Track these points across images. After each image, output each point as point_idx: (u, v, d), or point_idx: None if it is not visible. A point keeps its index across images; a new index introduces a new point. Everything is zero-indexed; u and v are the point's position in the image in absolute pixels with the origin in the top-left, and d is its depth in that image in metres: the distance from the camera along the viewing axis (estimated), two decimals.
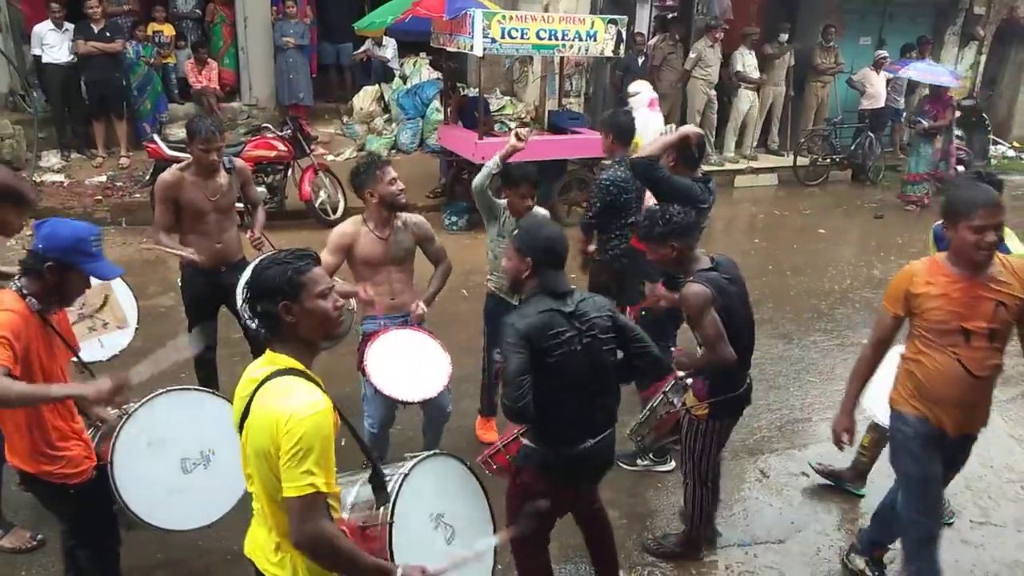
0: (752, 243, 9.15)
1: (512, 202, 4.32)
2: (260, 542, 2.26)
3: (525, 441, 3.11)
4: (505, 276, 3.12)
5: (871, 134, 11.74)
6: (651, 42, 11.29)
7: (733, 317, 3.37)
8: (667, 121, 11.12)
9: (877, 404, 3.82)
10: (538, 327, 2.83)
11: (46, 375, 2.73)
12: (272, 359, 2.18)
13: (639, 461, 4.59)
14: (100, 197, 8.60)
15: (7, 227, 3.36)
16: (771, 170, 11.78)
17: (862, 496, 4.45)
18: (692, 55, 10.82)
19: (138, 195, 8.54)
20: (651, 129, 7.36)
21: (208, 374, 4.74)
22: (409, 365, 3.86)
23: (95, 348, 3.76)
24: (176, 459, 3.06)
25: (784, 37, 11.38)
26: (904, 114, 12.25)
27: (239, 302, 4.25)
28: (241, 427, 2.18)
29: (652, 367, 3.17)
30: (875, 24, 12.94)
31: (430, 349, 3.97)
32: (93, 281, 3.73)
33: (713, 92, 11.03)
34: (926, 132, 10.24)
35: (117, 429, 3.01)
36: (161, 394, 3.10)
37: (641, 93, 7.95)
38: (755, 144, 11.98)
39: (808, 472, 4.63)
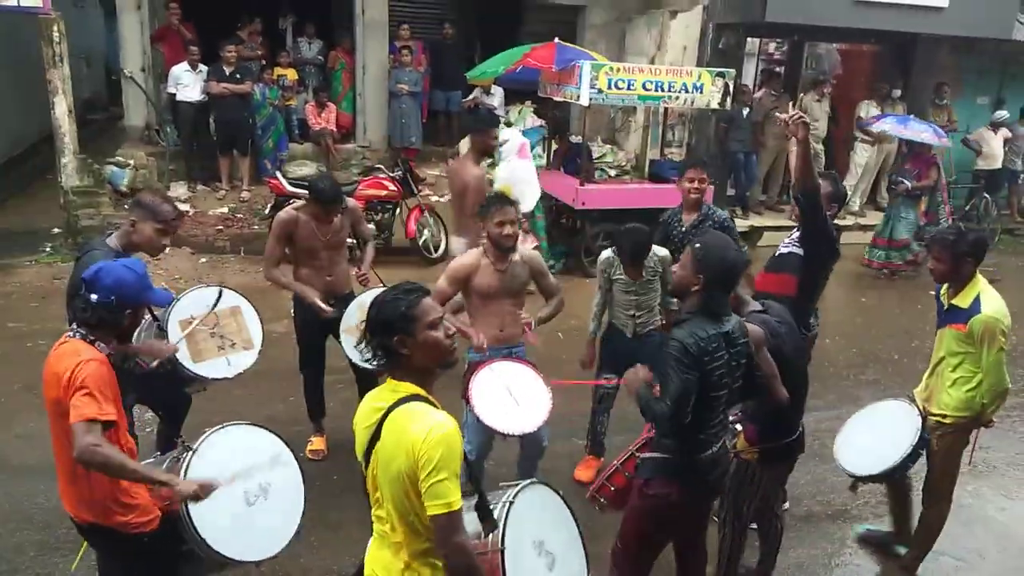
0: (858, 302, 8.91)
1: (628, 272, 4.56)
2: (384, 563, 2.35)
3: (648, 454, 3.19)
4: (672, 278, 3.20)
5: (986, 195, 11.29)
6: (756, 95, 11.26)
7: (782, 361, 3.34)
8: (769, 176, 11.06)
9: (851, 461, 3.95)
10: (707, 351, 2.92)
11: (119, 418, 2.75)
12: (395, 387, 2.31)
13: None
14: (221, 227, 9.15)
15: (152, 246, 3.66)
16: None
17: (900, 555, 4.31)
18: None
19: (256, 226, 9.03)
20: (519, 176, 6.98)
21: (317, 399, 4.97)
22: (512, 398, 3.92)
23: (222, 366, 3.95)
24: (240, 492, 3.03)
25: (897, 93, 11.15)
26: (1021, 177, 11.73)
27: (352, 342, 4.48)
28: (367, 454, 2.30)
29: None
30: (994, 83, 12.51)
31: (533, 383, 4.04)
32: (225, 303, 4.05)
33: (820, 147, 10.87)
34: (908, 194, 9.41)
35: (183, 467, 2.96)
36: (218, 430, 3.12)
37: (511, 140, 7.36)
38: (864, 201, 11.68)
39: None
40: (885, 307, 8.76)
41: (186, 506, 2.84)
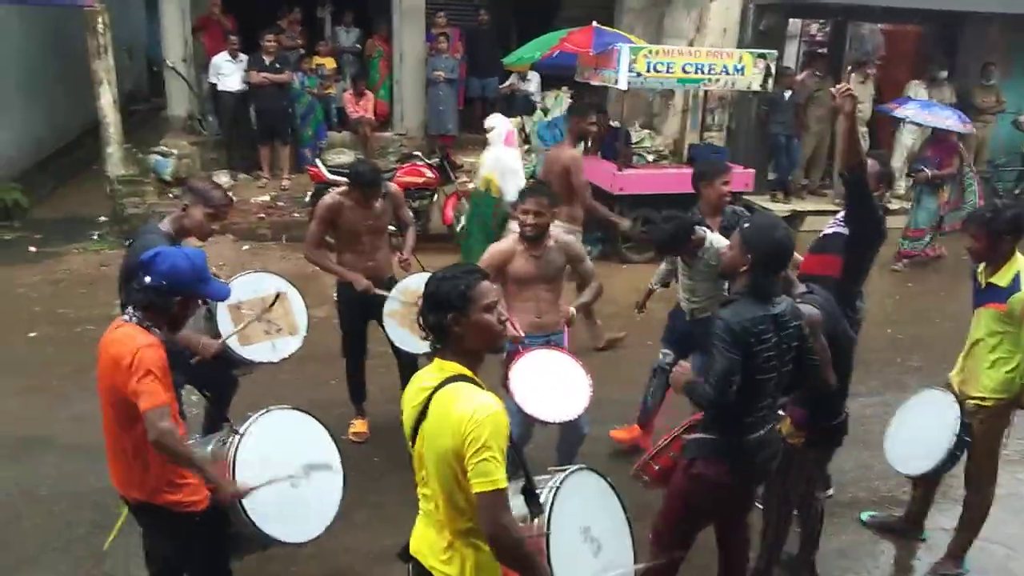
0: (904, 287, 8.74)
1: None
2: (429, 541, 2.38)
3: (696, 435, 3.17)
4: (721, 261, 3.21)
5: None
6: (799, 77, 11.06)
7: (834, 343, 3.31)
8: (812, 160, 10.87)
9: (901, 461, 3.91)
10: (752, 332, 2.91)
11: (172, 404, 2.80)
12: (441, 367, 2.32)
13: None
14: (263, 215, 9.26)
15: (201, 230, 3.73)
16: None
17: (924, 540, 4.29)
18: None
19: (297, 214, 9.12)
20: (504, 165, 6.82)
21: (359, 383, 5.03)
22: (552, 385, 3.93)
23: (268, 350, 4.04)
24: (285, 475, 3.08)
25: (943, 74, 10.85)
26: None
27: (395, 326, 4.56)
28: (414, 433, 2.33)
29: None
30: None
31: (572, 371, 4.03)
32: (270, 288, 4.12)
33: (864, 129, 10.64)
34: (929, 182, 8.85)
35: (233, 449, 3.01)
36: (264, 414, 3.18)
37: (497, 127, 7.15)
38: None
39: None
40: (930, 291, 8.57)
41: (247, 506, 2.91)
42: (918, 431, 3.84)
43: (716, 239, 4.41)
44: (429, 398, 2.27)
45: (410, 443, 2.38)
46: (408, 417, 2.36)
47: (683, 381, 3.11)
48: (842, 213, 4.16)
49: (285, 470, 3.09)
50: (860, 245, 4.04)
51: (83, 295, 7.27)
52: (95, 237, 8.70)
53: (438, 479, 2.27)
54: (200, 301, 3.58)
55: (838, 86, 3.89)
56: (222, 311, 3.87)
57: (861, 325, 4.35)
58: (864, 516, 4.45)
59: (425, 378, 2.35)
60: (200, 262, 2.87)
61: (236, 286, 4.00)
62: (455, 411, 2.19)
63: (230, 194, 3.96)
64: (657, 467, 3.40)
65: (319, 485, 3.20)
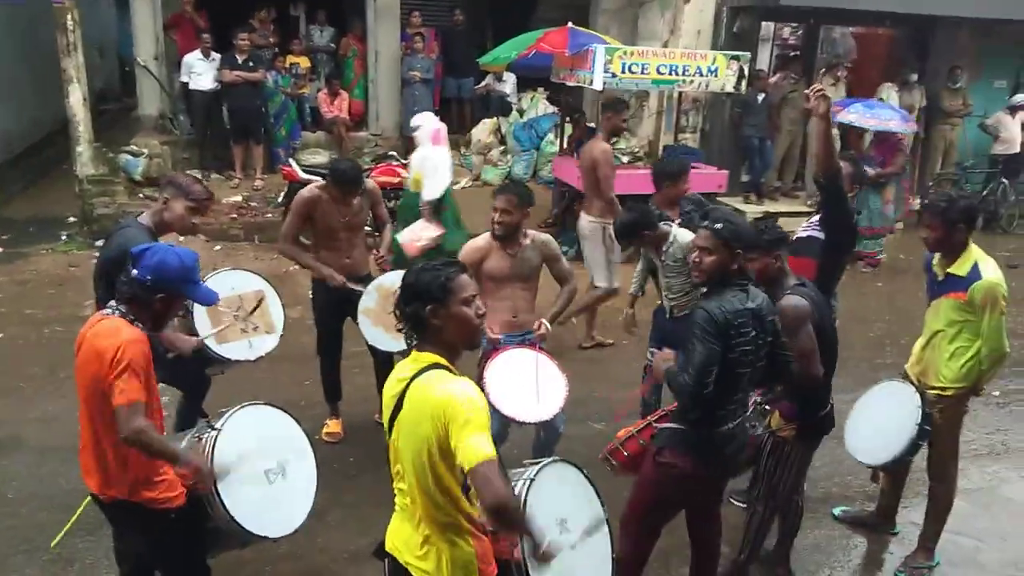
0: (874, 286, 8.84)
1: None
2: (404, 537, 2.36)
3: (666, 425, 3.20)
4: (698, 267, 3.10)
5: (1004, 180, 11.16)
6: (772, 79, 11.16)
7: (823, 336, 3.37)
8: (785, 162, 10.96)
9: (862, 451, 3.94)
10: (733, 325, 2.92)
11: (153, 396, 2.80)
12: (417, 358, 2.31)
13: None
14: (235, 215, 9.16)
15: (182, 224, 3.67)
16: None
17: (895, 534, 4.36)
18: None
19: (270, 214, 9.05)
20: (432, 164, 6.74)
21: (334, 383, 5.00)
22: (527, 385, 3.93)
23: (244, 348, 4.01)
24: (261, 470, 3.08)
25: (914, 77, 11.01)
26: None
27: (370, 324, 4.53)
28: (391, 425, 2.32)
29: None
30: (1012, 67, 12.34)
31: (548, 370, 4.04)
32: (247, 287, 4.09)
33: (835, 131, 10.75)
34: (873, 182, 8.71)
35: (210, 445, 2.98)
36: (239, 409, 3.16)
37: (424, 126, 7.04)
38: None
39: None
40: (902, 289, 8.68)
41: (215, 483, 2.88)
42: (879, 421, 3.88)
43: (681, 233, 4.45)
44: (405, 389, 2.26)
45: (387, 436, 2.36)
46: (387, 410, 2.35)
47: (664, 368, 3.13)
48: (816, 217, 4.21)
49: (261, 462, 3.08)
50: (835, 249, 4.10)
51: (51, 296, 7.15)
52: (64, 238, 8.56)
53: (414, 471, 2.25)
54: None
55: (812, 87, 3.93)
56: (199, 309, 3.82)
57: (835, 323, 4.40)
58: (836, 511, 4.50)
59: (402, 370, 2.34)
60: (191, 262, 2.82)
61: (212, 283, 3.94)
62: (432, 396, 2.18)
63: (208, 188, 3.90)
64: (626, 453, 3.42)
65: (294, 481, 3.18)
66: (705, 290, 3.14)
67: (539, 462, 2.83)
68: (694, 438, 3.09)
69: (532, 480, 2.66)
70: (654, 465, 3.20)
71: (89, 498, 2.94)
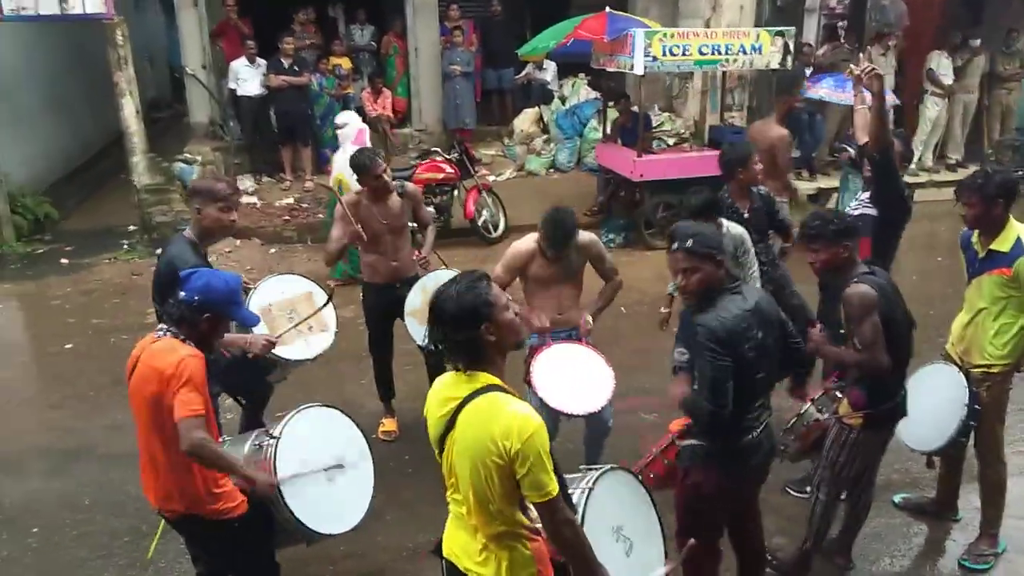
0: (934, 262, 8.57)
1: None
2: (462, 543, 2.40)
3: (688, 441, 3.12)
4: (685, 288, 3.03)
5: None
6: (820, 51, 10.89)
7: (892, 325, 3.29)
8: (838, 134, 10.69)
9: (914, 439, 3.85)
10: (738, 332, 2.85)
11: (210, 411, 2.90)
12: (471, 378, 2.29)
13: (808, 488, 4.45)
14: (288, 217, 9.36)
15: (222, 225, 3.72)
16: (954, 183, 10.95)
17: (957, 520, 4.25)
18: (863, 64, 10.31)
19: (321, 215, 9.21)
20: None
21: (387, 381, 5.09)
22: (574, 379, 3.96)
23: (302, 348, 4.14)
24: (322, 470, 3.19)
25: (976, 42, 10.59)
26: None
27: (416, 324, 4.62)
28: (441, 444, 2.34)
29: (801, 362, 3.24)
30: None
31: (594, 363, 4.06)
32: (297, 290, 4.21)
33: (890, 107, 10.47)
34: (853, 162, 8.09)
35: (272, 454, 3.09)
36: (296, 413, 3.28)
37: (349, 124, 7.00)
38: (936, 156, 11.22)
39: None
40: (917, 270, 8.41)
41: (279, 488, 3.01)
42: (927, 406, 3.76)
43: (732, 227, 4.42)
44: (458, 409, 2.27)
45: (437, 452, 2.39)
46: (435, 428, 2.36)
47: (682, 396, 3.03)
48: (866, 194, 4.13)
49: (321, 464, 3.20)
50: (889, 225, 4.06)
51: (116, 305, 7.41)
52: (125, 247, 8.85)
53: (472, 488, 2.27)
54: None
55: (862, 66, 3.85)
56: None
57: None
58: (897, 498, 4.42)
59: (452, 388, 2.33)
60: (235, 284, 2.98)
61: (264, 289, 4.14)
62: (496, 424, 2.19)
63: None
64: (652, 475, 3.33)
65: (353, 479, 3.30)
66: (695, 305, 3.03)
67: (596, 469, 2.84)
68: (717, 453, 3.02)
69: (591, 490, 2.68)
70: (682, 487, 3.15)
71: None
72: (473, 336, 2.25)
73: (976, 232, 3.72)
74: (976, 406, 3.67)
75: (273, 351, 3.86)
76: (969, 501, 4.26)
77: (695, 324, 2.93)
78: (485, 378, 2.29)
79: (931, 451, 3.92)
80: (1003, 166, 10.64)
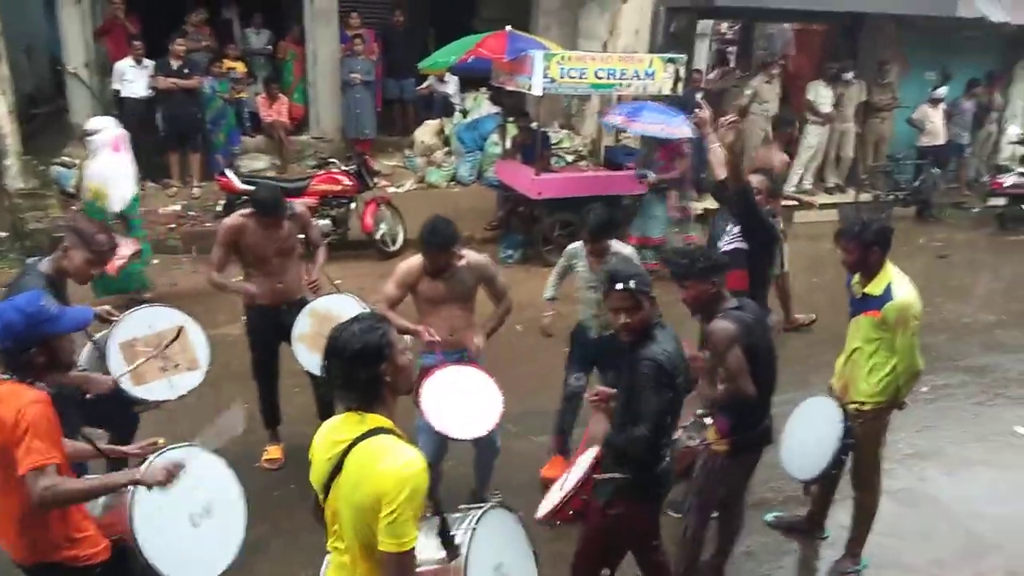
0: (811, 281, 9.05)
1: (592, 248, 4.55)
2: None
3: (608, 475, 3.16)
4: (628, 327, 3.10)
5: (934, 170, 11.51)
6: (709, 76, 11.32)
7: (756, 357, 3.46)
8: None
9: (795, 467, 4.02)
10: (676, 364, 2.99)
11: (62, 453, 2.74)
12: (360, 420, 2.28)
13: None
14: (173, 225, 9.00)
15: (81, 275, 3.60)
16: (832, 206, 11.59)
17: (826, 538, 4.49)
18: (748, 91, 10.78)
19: (209, 224, 8.88)
20: (118, 174, 6.40)
21: (272, 407, 4.96)
22: (463, 402, 3.97)
23: (164, 388, 3.92)
24: (186, 515, 3.02)
25: (850, 75, 11.23)
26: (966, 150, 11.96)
27: (305, 350, 4.52)
28: (327, 488, 2.30)
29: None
30: (939, 58, 12.60)
31: (484, 387, 4.07)
32: (167, 322, 4.00)
33: (769, 127, 10.93)
34: (654, 188, 8.25)
35: (131, 497, 2.90)
36: (161, 453, 3.05)
37: (103, 131, 6.53)
38: (814, 180, 11.85)
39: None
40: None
41: (135, 536, 2.85)
42: (806, 437, 4.00)
43: (622, 247, 4.58)
44: (346, 452, 2.24)
45: (321, 496, 2.34)
46: (320, 470, 2.32)
47: (607, 437, 3.13)
48: (735, 228, 4.35)
49: (186, 506, 3.02)
50: (759, 254, 4.30)
51: None
52: None
53: (355, 534, 2.25)
54: (88, 339, 3.50)
55: (725, 118, 4.12)
56: (113, 350, 3.77)
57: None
58: (769, 517, 4.63)
59: (341, 430, 2.30)
60: (32, 307, 2.72)
61: (129, 322, 3.91)
62: (381, 466, 2.18)
63: (114, 237, 3.82)
64: (571, 512, 3.35)
65: (221, 521, 3.13)
66: (632, 339, 3.12)
67: (478, 507, 2.86)
68: (643, 483, 3.11)
69: (474, 530, 2.70)
70: (603, 518, 3.20)
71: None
72: (372, 375, 2.26)
73: (856, 275, 3.95)
74: (849, 440, 3.86)
75: (133, 392, 3.70)
76: (836, 519, 4.51)
77: (638, 359, 3.00)
78: (375, 419, 2.28)
79: (808, 480, 4.11)
80: (876, 190, 11.38)
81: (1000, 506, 4.86)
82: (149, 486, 2.80)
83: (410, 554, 2.19)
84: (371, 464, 2.19)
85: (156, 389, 3.89)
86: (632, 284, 3.04)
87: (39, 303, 2.75)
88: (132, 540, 2.85)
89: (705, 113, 4.67)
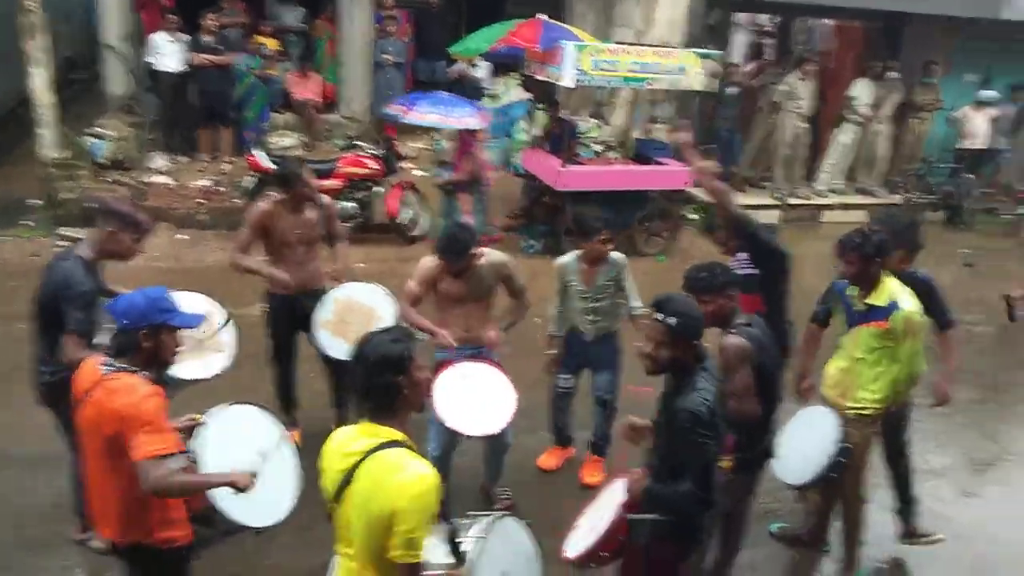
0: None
1: (590, 251, 4.51)
2: None
3: (644, 516, 3.00)
4: (649, 358, 2.95)
5: (968, 175, 11.29)
6: (745, 69, 11.17)
7: (763, 371, 3.46)
8: (761, 148, 11.03)
9: (789, 473, 3.97)
10: (716, 410, 2.86)
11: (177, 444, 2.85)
12: (374, 431, 2.35)
13: None
14: (203, 200, 9.10)
15: (131, 253, 3.70)
16: (862, 207, 11.45)
17: (827, 551, 4.48)
18: (782, 87, 10.63)
19: (237, 200, 8.96)
20: None
21: (289, 392, 5.06)
22: (475, 398, 4.03)
23: (199, 367, 4.06)
24: (248, 462, 3.01)
25: (893, 75, 11.03)
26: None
27: (327, 336, 4.60)
28: (337, 496, 2.36)
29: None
30: (983, 61, 12.29)
31: (497, 383, 4.13)
32: (197, 308, 4.10)
33: (805, 125, 10.79)
34: (443, 188, 8.06)
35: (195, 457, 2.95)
36: (218, 411, 3.12)
37: None
38: (845, 178, 11.69)
39: None
40: None
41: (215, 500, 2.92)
42: (802, 445, 3.97)
43: (613, 253, 4.60)
44: (359, 463, 2.29)
45: (332, 504, 2.40)
46: (332, 480, 2.38)
47: (648, 489, 2.98)
48: (743, 255, 4.36)
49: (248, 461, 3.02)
50: (772, 278, 4.31)
51: (13, 289, 6.99)
52: (29, 223, 8.43)
53: (367, 544, 2.31)
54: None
55: (706, 163, 4.17)
56: None
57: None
58: (773, 528, 4.64)
59: (354, 441, 2.36)
60: (159, 294, 2.90)
61: None
62: (396, 479, 2.24)
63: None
64: (607, 555, 3.17)
65: (275, 465, 3.12)
66: (672, 380, 2.99)
67: (488, 515, 2.89)
68: (682, 526, 3.00)
69: (484, 539, 2.74)
70: (644, 562, 3.10)
71: None
72: (390, 382, 2.32)
73: (855, 287, 3.95)
74: (847, 444, 3.86)
75: (170, 373, 3.79)
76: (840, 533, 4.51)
77: (676, 409, 2.85)
78: (388, 432, 2.34)
79: (800, 484, 4.10)
80: (908, 193, 11.22)
81: (1014, 531, 4.82)
82: (241, 489, 2.87)
83: (421, 564, 2.27)
84: (385, 478, 2.25)
85: (190, 369, 3.98)
86: (672, 322, 2.85)
87: (166, 294, 2.93)
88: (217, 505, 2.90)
89: (686, 137, 4.70)
